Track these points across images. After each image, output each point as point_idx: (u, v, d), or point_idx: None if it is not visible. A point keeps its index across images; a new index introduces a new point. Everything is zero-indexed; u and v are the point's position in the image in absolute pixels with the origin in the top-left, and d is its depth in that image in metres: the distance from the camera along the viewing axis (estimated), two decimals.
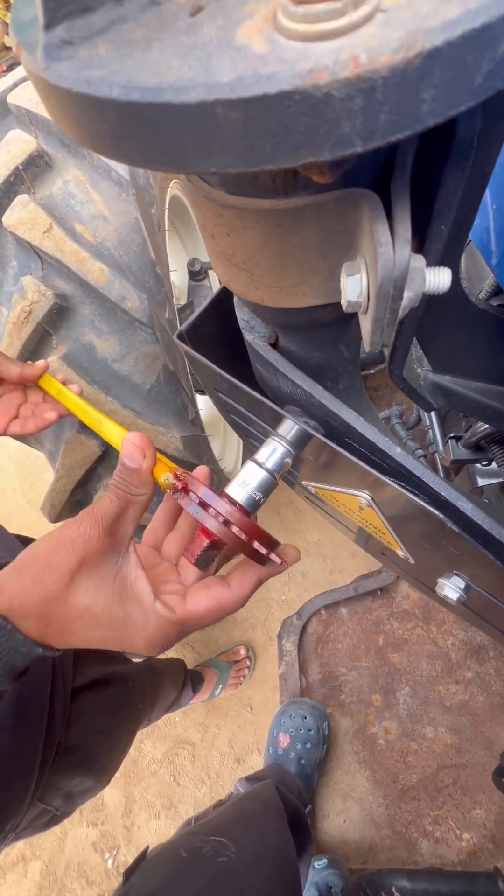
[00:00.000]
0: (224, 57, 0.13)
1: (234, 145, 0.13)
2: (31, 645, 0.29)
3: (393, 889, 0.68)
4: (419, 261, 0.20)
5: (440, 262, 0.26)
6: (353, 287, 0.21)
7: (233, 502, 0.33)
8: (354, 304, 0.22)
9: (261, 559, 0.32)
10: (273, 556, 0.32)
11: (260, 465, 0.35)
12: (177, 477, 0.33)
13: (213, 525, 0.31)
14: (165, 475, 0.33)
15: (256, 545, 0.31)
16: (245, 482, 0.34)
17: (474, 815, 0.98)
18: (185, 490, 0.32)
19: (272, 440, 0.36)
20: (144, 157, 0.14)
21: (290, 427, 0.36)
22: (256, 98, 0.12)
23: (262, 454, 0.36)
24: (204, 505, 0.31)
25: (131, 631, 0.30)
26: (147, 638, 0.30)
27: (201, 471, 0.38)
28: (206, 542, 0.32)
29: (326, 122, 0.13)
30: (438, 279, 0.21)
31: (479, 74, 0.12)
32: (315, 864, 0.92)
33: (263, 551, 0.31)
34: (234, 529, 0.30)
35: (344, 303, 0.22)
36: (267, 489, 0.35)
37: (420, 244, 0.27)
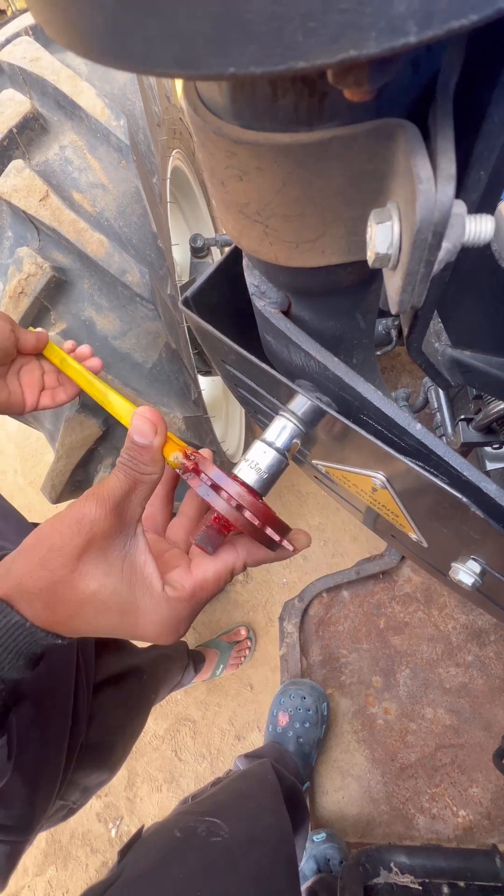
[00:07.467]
0: None
1: (258, 31, 0.11)
2: (33, 629, 0.27)
3: (391, 864, 0.69)
4: (460, 206, 0.18)
5: None
6: (384, 236, 0.19)
7: (244, 485, 0.31)
8: (383, 257, 0.19)
9: (272, 545, 0.31)
10: (285, 543, 0.31)
11: (269, 444, 0.33)
12: (186, 456, 0.31)
13: (224, 509, 0.29)
14: (175, 454, 0.31)
15: (269, 531, 0.30)
16: (254, 462, 0.32)
17: (471, 793, 1.00)
18: (196, 471, 0.30)
19: (282, 417, 0.34)
20: (146, 55, 0.12)
21: (301, 403, 0.33)
22: None
23: (271, 433, 0.34)
24: (215, 487, 0.29)
25: (142, 618, 0.28)
26: (157, 625, 0.29)
27: (205, 453, 0.36)
28: (218, 527, 0.30)
29: None
30: (481, 227, 0.18)
31: None
32: (314, 838, 0.94)
33: (276, 538, 0.30)
34: (247, 514, 0.29)
35: (370, 256, 0.20)
36: (277, 469, 0.33)
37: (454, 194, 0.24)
